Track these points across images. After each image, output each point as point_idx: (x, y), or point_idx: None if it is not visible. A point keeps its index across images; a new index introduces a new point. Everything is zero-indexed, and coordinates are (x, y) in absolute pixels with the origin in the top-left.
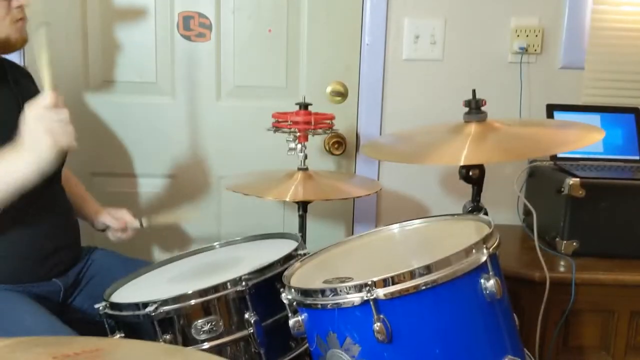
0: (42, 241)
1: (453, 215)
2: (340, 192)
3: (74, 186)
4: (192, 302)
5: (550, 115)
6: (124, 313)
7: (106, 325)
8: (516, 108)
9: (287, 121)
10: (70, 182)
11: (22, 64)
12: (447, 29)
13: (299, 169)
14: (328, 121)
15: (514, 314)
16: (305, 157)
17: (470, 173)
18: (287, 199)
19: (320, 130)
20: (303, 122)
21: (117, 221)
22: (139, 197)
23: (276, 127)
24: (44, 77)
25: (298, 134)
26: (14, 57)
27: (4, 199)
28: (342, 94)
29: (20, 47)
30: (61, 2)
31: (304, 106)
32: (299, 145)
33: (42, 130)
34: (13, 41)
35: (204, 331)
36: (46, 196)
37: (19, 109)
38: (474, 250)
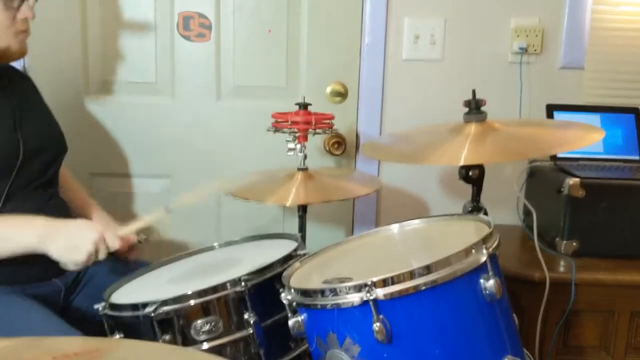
0: None
1: (453, 215)
2: (342, 191)
3: (77, 195)
4: (192, 302)
5: (550, 115)
6: (124, 313)
7: (106, 326)
8: (516, 108)
9: (287, 121)
10: (73, 191)
11: (22, 65)
12: (447, 29)
13: (299, 169)
14: (328, 121)
15: (514, 314)
16: (305, 157)
17: (470, 173)
18: (288, 204)
19: (320, 130)
20: (303, 122)
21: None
22: (138, 198)
23: (276, 128)
24: (135, 225)
25: (298, 134)
26: None
27: None
28: (342, 94)
29: (18, 59)
30: (62, 1)
31: (304, 106)
32: (299, 146)
33: (87, 248)
34: (12, 52)
35: (203, 331)
36: (43, 197)
37: (14, 115)
38: (473, 251)
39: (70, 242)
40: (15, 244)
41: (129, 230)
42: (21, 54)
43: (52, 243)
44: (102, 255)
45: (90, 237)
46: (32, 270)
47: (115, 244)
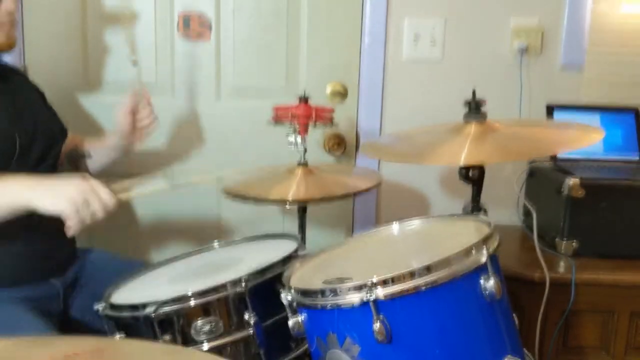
0: (37, 241)
1: (453, 215)
2: (342, 185)
3: (71, 139)
4: (192, 302)
5: (550, 115)
6: (124, 314)
7: (106, 326)
8: (516, 108)
9: (287, 114)
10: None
11: (21, 63)
12: (447, 29)
13: (299, 164)
14: (329, 114)
15: (514, 314)
16: (305, 150)
17: (470, 173)
18: (290, 199)
19: (320, 124)
20: (304, 115)
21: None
22: (138, 198)
23: (277, 120)
24: (135, 191)
25: (298, 127)
26: (13, 57)
27: None
28: (342, 94)
29: (6, 51)
30: (61, 1)
31: (305, 99)
32: (299, 139)
33: (75, 197)
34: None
35: (203, 332)
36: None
37: (8, 110)
38: (473, 251)
39: (53, 189)
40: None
41: (127, 193)
42: (9, 46)
43: (34, 191)
44: (97, 210)
45: (78, 185)
46: (30, 270)
47: (109, 199)
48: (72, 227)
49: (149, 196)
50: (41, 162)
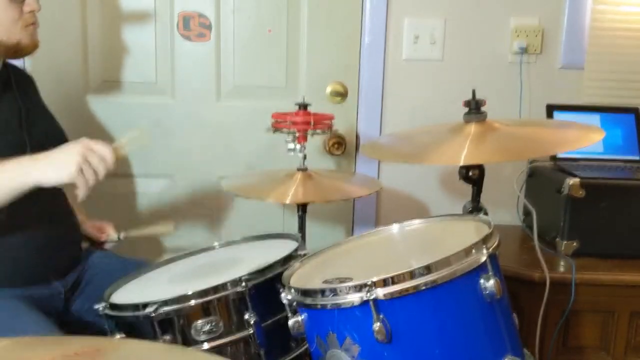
0: (42, 243)
1: (453, 215)
2: (341, 192)
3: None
4: (192, 302)
5: (550, 115)
6: (124, 314)
7: (106, 326)
8: (516, 108)
9: (286, 121)
10: None
11: (22, 65)
12: (447, 29)
13: (299, 170)
14: (327, 121)
15: (514, 314)
16: (305, 157)
17: (470, 173)
18: (288, 202)
19: (319, 131)
20: (302, 122)
21: (97, 233)
22: (139, 198)
23: (275, 128)
24: (121, 142)
25: (297, 134)
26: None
27: None
28: (342, 94)
29: (31, 53)
30: (61, 1)
31: (303, 106)
32: (299, 146)
33: (75, 158)
34: (24, 46)
35: (203, 332)
36: (46, 198)
37: (20, 115)
38: (473, 251)
39: (53, 160)
40: (4, 179)
41: (120, 143)
42: (33, 46)
43: (36, 165)
44: (98, 166)
45: (74, 148)
46: (32, 273)
47: (106, 152)
48: (81, 190)
49: (140, 143)
50: None
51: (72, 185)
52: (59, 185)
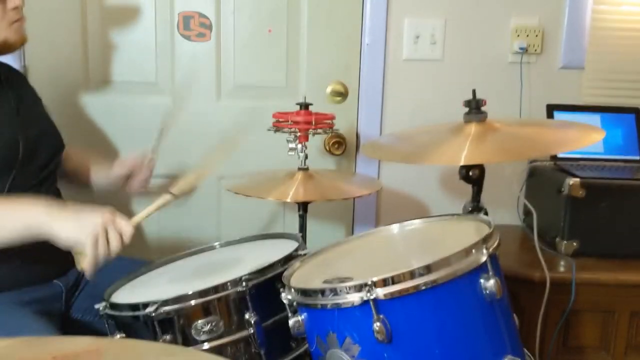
0: (39, 243)
1: (453, 215)
2: (341, 191)
3: (81, 159)
4: (192, 302)
5: (550, 115)
6: (124, 313)
7: (106, 326)
8: (516, 108)
9: (287, 121)
10: (77, 158)
11: (21, 63)
12: (447, 29)
13: (300, 169)
14: (328, 121)
15: (514, 314)
16: (306, 157)
17: (470, 173)
18: (289, 200)
19: (320, 130)
20: (304, 122)
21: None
22: (139, 198)
23: (277, 127)
24: (145, 212)
25: (299, 134)
26: (14, 58)
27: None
28: (342, 94)
29: (19, 48)
30: (61, 1)
31: (305, 106)
32: (300, 145)
33: (94, 226)
34: (11, 42)
35: (204, 332)
36: (42, 196)
37: (12, 113)
38: (473, 250)
39: (75, 218)
40: (17, 221)
41: (140, 217)
42: (21, 42)
43: (54, 218)
44: (114, 243)
45: (99, 215)
46: (33, 272)
47: (127, 229)
48: (88, 264)
49: (157, 210)
50: (44, 169)
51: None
52: (69, 245)
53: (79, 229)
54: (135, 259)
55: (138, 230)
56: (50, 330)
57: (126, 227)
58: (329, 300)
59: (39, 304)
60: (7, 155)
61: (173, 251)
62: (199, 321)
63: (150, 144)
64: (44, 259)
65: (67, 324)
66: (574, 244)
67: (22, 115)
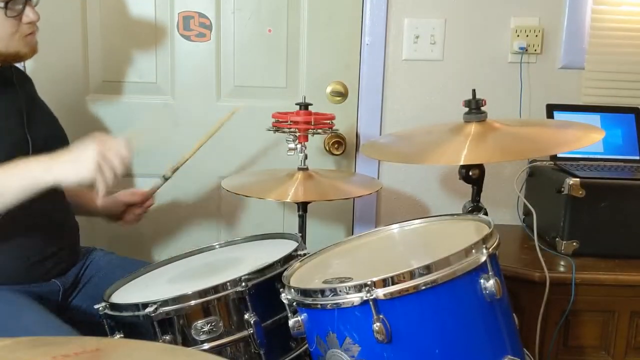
0: (41, 243)
1: (453, 215)
2: (341, 192)
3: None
4: (192, 302)
5: (550, 115)
6: (124, 313)
7: (106, 326)
8: (516, 108)
9: (287, 121)
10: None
11: (22, 64)
12: (447, 29)
13: (299, 169)
14: (328, 121)
15: (514, 314)
16: (306, 157)
17: (470, 173)
18: (288, 200)
19: (320, 130)
20: (303, 122)
21: (132, 196)
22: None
23: (276, 127)
24: (137, 137)
25: (298, 134)
26: None
27: (11, 201)
28: (342, 94)
29: (30, 58)
30: (61, 1)
31: (304, 106)
32: (299, 146)
33: (92, 155)
34: (22, 54)
35: (203, 332)
36: (45, 198)
37: (23, 114)
38: (473, 250)
39: (72, 156)
40: (23, 178)
41: (131, 134)
42: (32, 53)
43: (55, 164)
44: (117, 164)
45: (91, 145)
46: (32, 270)
47: (123, 148)
48: (100, 188)
49: (155, 139)
50: None
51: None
52: (80, 185)
53: (79, 168)
54: (135, 259)
55: (138, 230)
56: (48, 318)
57: (122, 147)
58: (329, 300)
59: (36, 298)
60: (17, 155)
61: (173, 251)
62: (199, 321)
63: (151, 186)
64: (44, 259)
65: (67, 324)
66: (574, 243)
67: (32, 116)
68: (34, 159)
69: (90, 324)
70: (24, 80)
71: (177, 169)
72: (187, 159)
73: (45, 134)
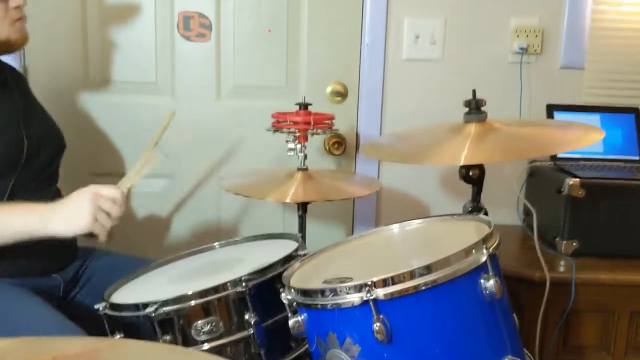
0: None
1: (453, 215)
2: (341, 192)
3: None
4: (192, 302)
5: (550, 115)
6: (124, 314)
7: (106, 326)
8: (516, 108)
9: (286, 121)
10: None
11: (21, 63)
12: (447, 29)
13: (299, 169)
14: (328, 121)
15: (514, 314)
16: (305, 157)
17: (470, 173)
18: (288, 200)
19: (320, 131)
20: (303, 122)
21: None
22: (139, 198)
23: (276, 127)
24: (127, 178)
25: (298, 134)
26: (14, 58)
27: None
28: (342, 94)
29: (21, 47)
30: (61, 1)
31: (304, 106)
32: (299, 146)
33: (87, 208)
34: (13, 41)
35: (204, 332)
36: (45, 193)
37: (18, 112)
38: (473, 250)
39: (68, 211)
40: (18, 229)
41: (126, 181)
42: (23, 40)
43: (52, 219)
44: (112, 211)
45: (85, 197)
46: (34, 265)
47: (116, 194)
48: (100, 236)
49: (144, 172)
50: (46, 169)
51: None
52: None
53: (75, 224)
54: (135, 259)
55: (138, 230)
56: (50, 313)
57: (115, 194)
58: (329, 301)
59: (38, 292)
60: (12, 154)
61: (173, 251)
62: (199, 321)
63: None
64: (45, 253)
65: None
66: (574, 243)
67: (27, 115)
68: (31, 207)
69: (92, 320)
70: (19, 80)
71: (129, 190)
72: (135, 181)
73: (40, 133)
